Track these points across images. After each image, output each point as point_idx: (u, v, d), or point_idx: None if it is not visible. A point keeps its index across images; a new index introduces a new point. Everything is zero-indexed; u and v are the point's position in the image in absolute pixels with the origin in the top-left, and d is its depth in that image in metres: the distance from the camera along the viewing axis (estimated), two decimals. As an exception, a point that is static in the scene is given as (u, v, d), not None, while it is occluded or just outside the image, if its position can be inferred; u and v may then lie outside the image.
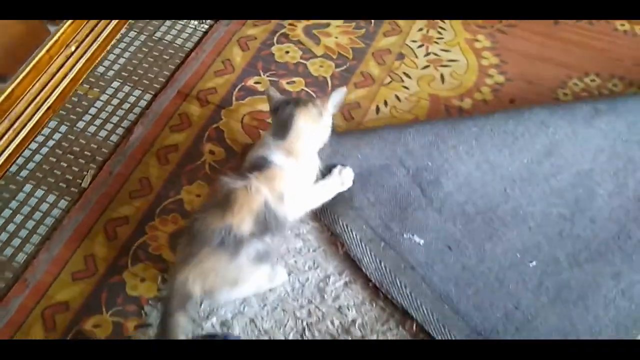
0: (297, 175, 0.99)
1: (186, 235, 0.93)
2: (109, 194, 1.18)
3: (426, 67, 1.37)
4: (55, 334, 1.02)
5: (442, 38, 1.42)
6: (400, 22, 1.45)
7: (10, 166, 1.13)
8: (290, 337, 1.00)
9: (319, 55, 1.40)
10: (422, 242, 1.07)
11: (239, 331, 1.00)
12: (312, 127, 1.01)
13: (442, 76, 1.35)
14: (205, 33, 1.46)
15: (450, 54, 1.39)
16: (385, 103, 1.31)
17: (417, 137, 1.17)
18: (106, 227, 1.14)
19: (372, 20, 1.45)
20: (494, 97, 1.31)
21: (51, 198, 1.19)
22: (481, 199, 1.11)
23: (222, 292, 0.94)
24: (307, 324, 1.01)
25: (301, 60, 1.39)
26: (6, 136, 0.94)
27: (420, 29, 1.44)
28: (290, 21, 1.46)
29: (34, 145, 1.23)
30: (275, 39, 1.43)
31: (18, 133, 0.98)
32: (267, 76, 1.36)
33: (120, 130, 1.29)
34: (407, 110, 1.30)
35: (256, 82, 1.36)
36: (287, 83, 1.35)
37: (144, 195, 1.18)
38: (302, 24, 1.45)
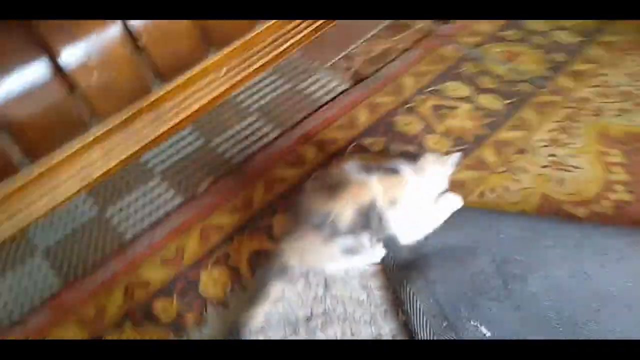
0: (417, 188, 1.04)
1: (292, 208, 1.02)
2: (215, 203, 1.32)
3: (546, 166, 1.32)
4: (130, 303, 1.13)
5: (572, 144, 1.37)
6: (533, 118, 1.43)
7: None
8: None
9: (438, 132, 1.44)
10: (488, 334, 1.00)
11: None
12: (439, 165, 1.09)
13: (561, 179, 1.29)
14: (341, 93, 1.60)
15: (576, 160, 1.33)
16: (493, 190, 1.28)
17: (513, 228, 1.13)
18: (202, 229, 1.27)
19: (504, 111, 1.45)
20: (616, 213, 1.21)
21: (170, 193, 1.36)
22: (568, 310, 1.01)
23: (317, 268, 1.06)
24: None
25: (421, 132, 1.44)
26: (151, 127, 1.13)
27: (552, 130, 1.40)
28: (422, 96, 1.53)
29: (173, 146, 1.45)
30: (403, 109, 1.51)
31: (157, 128, 1.17)
32: (385, 140, 1.43)
33: (243, 154, 1.44)
34: (513, 202, 1.25)
35: (371, 143, 1.43)
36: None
37: (243, 211, 1.29)
38: (432, 101, 1.51)
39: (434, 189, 1.12)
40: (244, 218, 1.29)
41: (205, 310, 1.12)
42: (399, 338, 1.04)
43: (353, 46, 1.75)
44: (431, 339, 1.00)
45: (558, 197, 1.25)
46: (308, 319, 1.08)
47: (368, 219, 0.99)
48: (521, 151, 1.36)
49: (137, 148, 1.19)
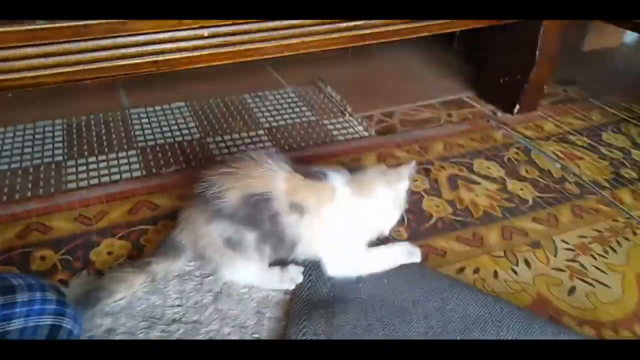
0: (349, 205, 0.85)
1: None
2: (168, 185, 1.19)
3: (560, 270, 1.01)
4: (17, 242, 1.01)
5: (605, 258, 1.04)
6: (567, 219, 1.14)
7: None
8: None
9: (443, 198, 1.20)
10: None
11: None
12: (385, 180, 0.87)
13: (571, 288, 0.97)
14: (361, 138, 1.44)
15: (604, 276, 1.00)
16: (477, 271, 1.00)
17: (470, 305, 0.83)
18: (137, 203, 1.14)
19: (533, 204, 1.18)
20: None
21: (136, 165, 1.27)
22: None
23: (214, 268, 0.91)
24: None
25: (422, 193, 1.21)
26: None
27: (585, 237, 1.09)
28: (444, 163, 1.32)
29: (168, 131, 1.39)
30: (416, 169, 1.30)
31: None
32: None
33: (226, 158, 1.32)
34: (496, 290, 0.95)
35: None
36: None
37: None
38: (452, 170, 1.30)
39: (378, 212, 0.88)
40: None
41: (78, 275, 0.94)
42: None
43: (400, 106, 1.61)
44: None
45: (562, 306, 0.93)
46: (173, 321, 0.85)
47: (255, 214, 0.82)
48: (535, 245, 1.07)
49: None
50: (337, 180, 0.86)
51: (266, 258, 0.87)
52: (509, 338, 0.78)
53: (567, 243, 1.08)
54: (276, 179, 0.83)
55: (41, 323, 0.68)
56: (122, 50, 1.00)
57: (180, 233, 0.90)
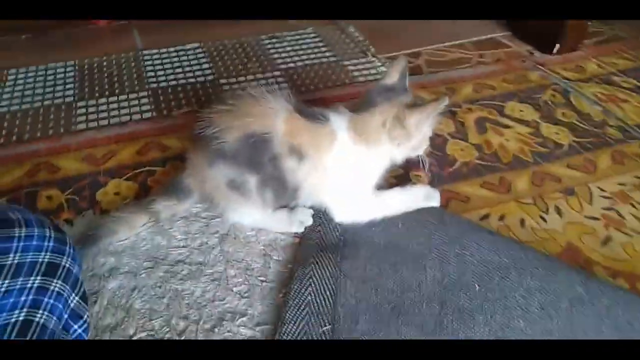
0: (352, 151, 0.79)
1: None
2: (177, 126, 1.15)
3: (594, 219, 0.93)
4: (26, 181, 1.00)
5: (647, 207, 0.95)
6: (605, 165, 1.04)
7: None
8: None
9: (469, 142, 1.11)
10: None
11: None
12: (392, 120, 0.78)
13: (607, 238, 0.89)
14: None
15: (643, 226, 0.91)
16: (502, 218, 0.92)
17: (488, 251, 0.76)
18: (146, 143, 1.11)
19: (569, 149, 1.09)
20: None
21: (146, 107, 1.22)
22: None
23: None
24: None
25: (446, 136, 1.13)
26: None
27: (625, 184, 1.00)
28: (473, 106, 1.22)
29: (182, 72, 1.33)
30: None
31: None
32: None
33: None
34: (522, 239, 0.88)
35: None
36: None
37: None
38: (481, 113, 1.20)
39: (391, 157, 0.81)
40: (194, 148, 1.08)
41: (84, 214, 0.91)
42: (263, 325, 0.72)
43: (428, 47, 1.50)
44: (296, 338, 0.67)
45: (591, 254, 0.85)
46: (177, 262, 0.82)
47: (254, 155, 0.76)
48: (568, 191, 0.98)
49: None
50: (338, 123, 0.79)
51: (270, 203, 0.82)
52: (532, 286, 0.71)
53: (604, 190, 0.99)
54: (276, 118, 0.77)
55: (38, 259, 0.66)
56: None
57: (187, 176, 0.85)
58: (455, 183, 1.00)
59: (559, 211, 0.94)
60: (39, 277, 0.62)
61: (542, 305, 0.68)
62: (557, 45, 1.43)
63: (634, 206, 0.95)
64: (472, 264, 0.74)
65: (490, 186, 0.99)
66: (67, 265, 0.68)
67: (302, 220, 0.85)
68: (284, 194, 0.80)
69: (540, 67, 1.39)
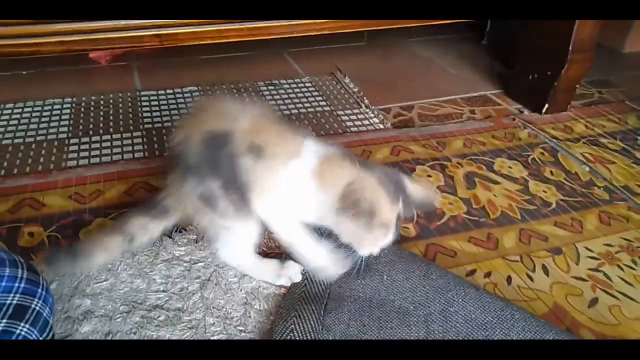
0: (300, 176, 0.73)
1: None
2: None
3: (581, 279, 0.92)
4: (10, 217, 0.98)
5: (633, 269, 0.95)
6: (593, 225, 1.05)
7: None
8: None
9: (457, 196, 1.12)
10: None
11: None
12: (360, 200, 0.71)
13: (595, 300, 0.88)
14: (383, 129, 1.37)
15: (631, 289, 0.91)
16: (488, 274, 0.91)
17: (470, 306, 0.75)
18: (135, 183, 1.10)
19: (557, 207, 1.09)
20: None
21: (139, 146, 1.22)
22: None
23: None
24: None
25: (436, 190, 1.13)
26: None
27: (611, 245, 1.00)
28: (462, 160, 1.23)
29: (175, 108, 1.35)
30: (431, 163, 1.23)
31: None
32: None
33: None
34: (508, 297, 0.87)
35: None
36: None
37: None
38: (471, 168, 1.21)
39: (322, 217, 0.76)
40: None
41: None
42: None
43: (421, 100, 1.53)
44: None
45: (578, 316, 0.84)
46: (155, 307, 0.80)
47: (214, 157, 0.72)
48: (555, 251, 0.98)
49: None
50: (313, 146, 0.74)
51: (243, 213, 0.76)
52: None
53: (591, 251, 0.98)
54: (239, 116, 0.73)
55: (6, 301, 0.64)
56: (124, 22, 0.95)
57: (166, 196, 0.80)
58: (443, 237, 1.00)
59: (545, 270, 0.93)
60: (4, 320, 0.60)
61: (527, 369, 0.66)
62: (547, 105, 1.47)
63: (620, 268, 0.95)
64: (456, 322, 0.73)
65: (478, 241, 0.99)
66: (37, 309, 0.66)
67: (290, 276, 0.83)
68: (243, 199, 0.74)
69: (529, 125, 1.41)
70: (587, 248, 0.99)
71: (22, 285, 0.65)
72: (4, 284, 0.64)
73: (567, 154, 1.29)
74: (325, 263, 0.76)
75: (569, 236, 1.02)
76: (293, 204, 0.75)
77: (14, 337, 0.59)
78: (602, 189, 1.17)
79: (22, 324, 0.60)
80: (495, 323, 0.72)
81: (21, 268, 0.66)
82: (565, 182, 1.19)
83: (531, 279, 0.91)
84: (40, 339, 0.63)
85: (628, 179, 1.21)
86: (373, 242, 0.73)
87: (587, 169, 1.23)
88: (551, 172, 1.22)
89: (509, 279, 0.91)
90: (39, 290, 0.66)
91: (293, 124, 0.80)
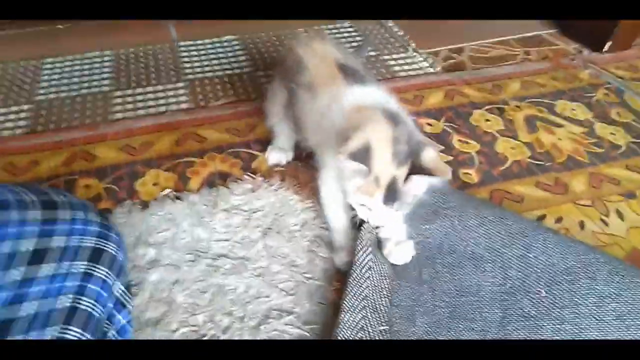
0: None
1: None
2: (216, 118, 1.12)
3: (660, 223, 0.86)
4: (63, 170, 0.98)
5: None
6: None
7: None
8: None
9: (519, 140, 1.06)
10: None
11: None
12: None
13: (677, 245, 0.82)
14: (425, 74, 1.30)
15: None
16: (559, 220, 0.87)
17: (550, 251, 0.71)
18: (184, 134, 1.08)
19: (627, 150, 1.03)
20: None
21: (184, 97, 1.19)
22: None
23: None
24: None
25: (495, 133, 1.07)
26: None
27: (690, 189, 0.93)
28: (521, 103, 1.17)
29: (217, 63, 1.31)
30: (489, 106, 1.16)
31: None
32: (444, 123, 1.10)
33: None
34: (582, 239, 0.82)
35: (428, 124, 1.11)
36: (459, 140, 1.05)
37: (236, 135, 1.07)
38: (531, 111, 1.14)
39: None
40: (232, 141, 1.05)
41: (122, 204, 0.89)
42: (311, 325, 0.68)
43: (471, 43, 1.45)
44: (355, 330, 0.63)
45: (660, 262, 0.79)
46: (220, 256, 0.78)
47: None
48: (629, 194, 0.92)
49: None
50: (355, 94, 0.73)
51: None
52: (605, 292, 0.65)
53: (668, 195, 0.92)
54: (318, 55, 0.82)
55: (83, 244, 0.63)
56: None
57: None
58: (507, 182, 0.95)
59: (620, 214, 0.88)
60: (84, 263, 0.59)
61: (619, 315, 0.63)
62: (609, 43, 1.37)
63: (702, 212, 0.89)
64: (536, 267, 0.69)
65: (546, 186, 0.94)
66: (112, 252, 0.65)
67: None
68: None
69: (590, 65, 1.32)
70: (663, 191, 0.93)
71: (97, 229, 0.64)
72: (79, 226, 0.62)
73: (635, 94, 1.21)
74: (340, 244, 0.76)
75: (644, 180, 0.96)
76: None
77: (94, 279, 0.58)
78: (676, 129, 1.09)
79: (100, 267, 0.60)
80: (579, 268, 0.68)
81: (93, 212, 0.65)
82: (635, 123, 1.11)
83: (605, 223, 0.86)
84: (119, 282, 0.62)
85: None
86: (356, 191, 0.66)
87: (658, 109, 1.15)
88: (618, 113, 1.14)
89: (581, 224, 0.86)
90: (112, 235, 0.65)
91: (358, 70, 0.77)
